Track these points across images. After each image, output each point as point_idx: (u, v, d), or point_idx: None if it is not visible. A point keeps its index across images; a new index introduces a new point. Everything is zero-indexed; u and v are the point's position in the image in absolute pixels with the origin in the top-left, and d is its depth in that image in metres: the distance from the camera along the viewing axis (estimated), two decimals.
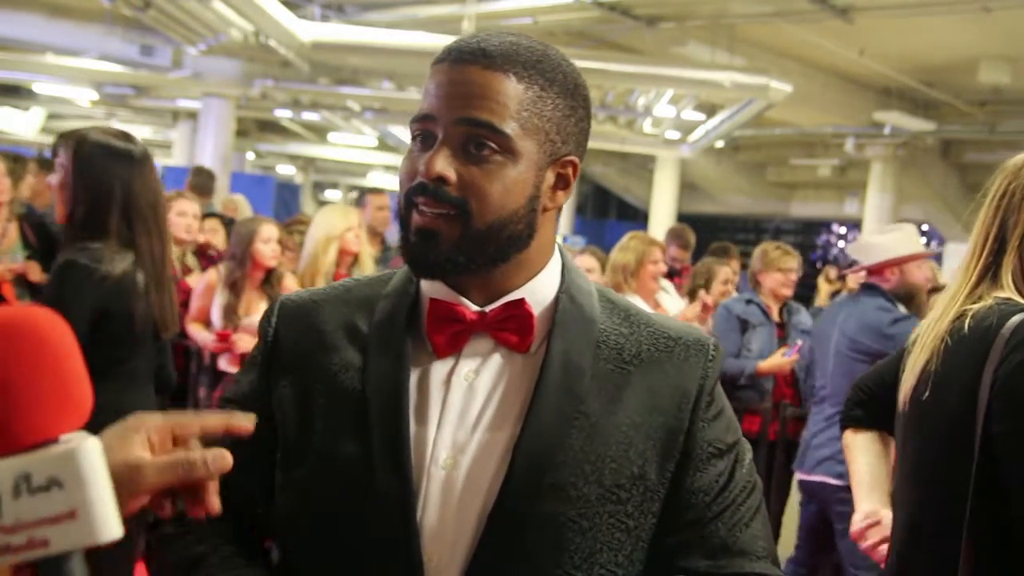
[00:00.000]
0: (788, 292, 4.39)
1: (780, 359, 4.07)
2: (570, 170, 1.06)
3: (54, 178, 2.31)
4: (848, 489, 3.18)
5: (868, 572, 3.25)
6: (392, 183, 20.50)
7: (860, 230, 15.67)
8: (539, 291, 1.06)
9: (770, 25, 10.07)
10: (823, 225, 19.10)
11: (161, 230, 2.36)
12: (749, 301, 4.33)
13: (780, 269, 4.34)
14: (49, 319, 0.73)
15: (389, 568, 0.98)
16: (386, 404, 1.01)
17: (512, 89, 0.99)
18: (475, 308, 1.04)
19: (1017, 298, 1.56)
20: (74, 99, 15.09)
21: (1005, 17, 8.64)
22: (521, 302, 1.04)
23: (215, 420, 0.87)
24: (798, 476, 3.48)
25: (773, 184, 18.92)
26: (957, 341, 1.57)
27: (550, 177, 1.04)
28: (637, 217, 20.82)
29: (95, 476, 0.70)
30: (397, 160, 18.77)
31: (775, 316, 4.32)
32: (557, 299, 1.06)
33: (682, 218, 15.09)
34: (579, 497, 0.99)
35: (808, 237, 19.42)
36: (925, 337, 1.65)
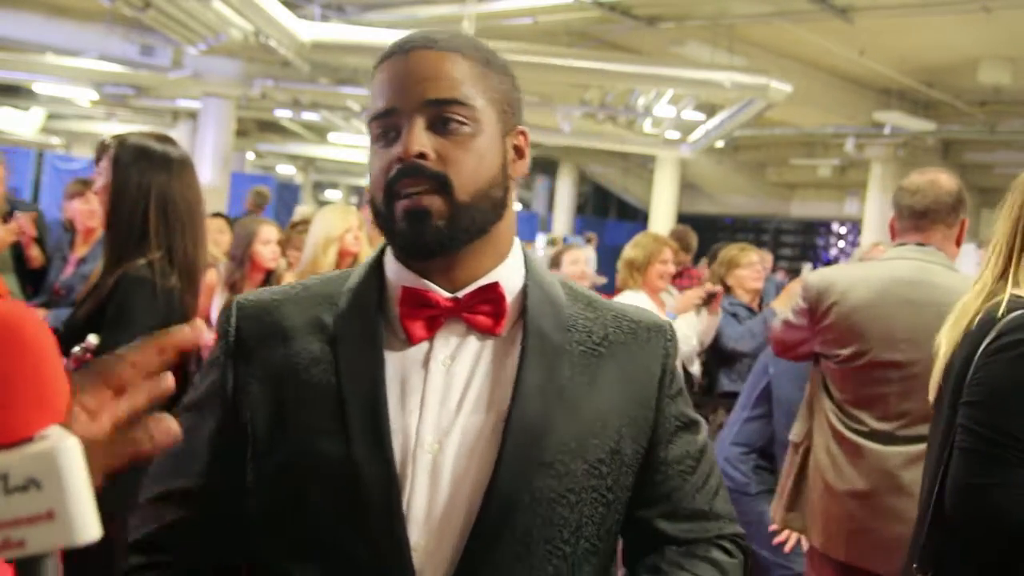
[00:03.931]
0: (757, 284, 4.65)
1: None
2: (522, 139, 1.11)
3: (98, 182, 2.33)
4: None
5: None
6: None
7: (860, 230, 15.67)
8: (508, 277, 1.09)
9: (770, 25, 10.07)
10: (823, 225, 19.10)
11: (196, 233, 2.36)
12: (732, 303, 4.57)
13: (741, 266, 4.62)
14: (22, 312, 0.70)
15: (376, 557, 0.99)
16: (364, 393, 1.02)
17: (462, 66, 1.04)
18: (447, 295, 1.06)
19: None
20: (74, 99, 15.09)
21: (1005, 17, 8.64)
22: (495, 285, 1.07)
23: (146, 350, 0.76)
24: None
25: (773, 184, 18.93)
26: (967, 336, 1.72)
27: (510, 146, 1.09)
28: (637, 217, 20.82)
29: (74, 476, 0.68)
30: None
31: (755, 308, 4.57)
32: (525, 286, 1.10)
33: (682, 218, 15.10)
34: (567, 473, 1.03)
35: (808, 237, 19.41)
36: (944, 338, 1.80)
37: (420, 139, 1.00)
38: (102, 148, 2.33)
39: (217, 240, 4.99)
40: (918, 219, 2.48)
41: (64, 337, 2.26)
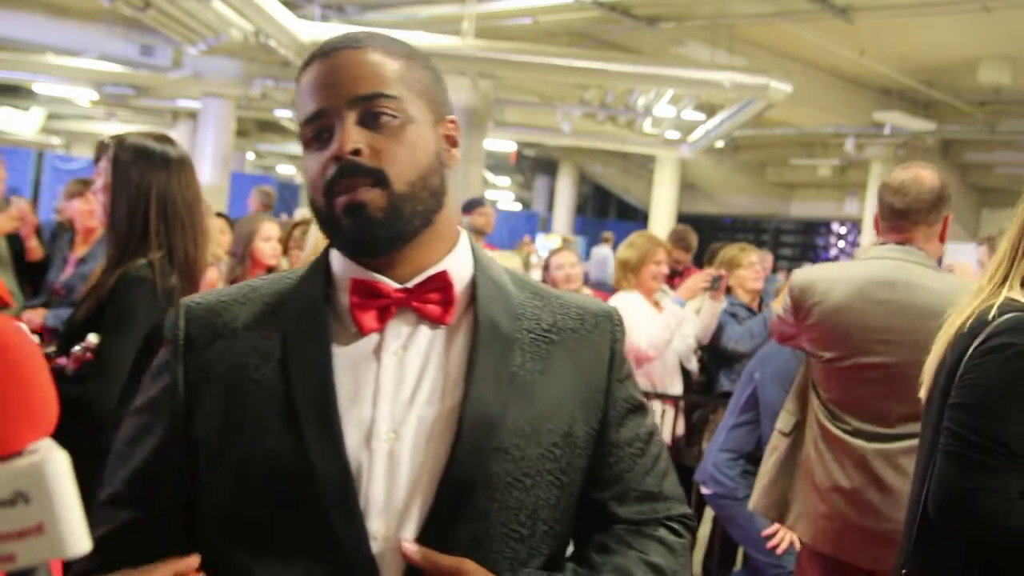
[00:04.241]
0: (757, 285, 4.64)
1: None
2: (452, 128, 1.13)
3: (98, 183, 2.33)
4: None
5: None
6: None
7: (860, 230, 15.67)
8: (456, 267, 1.11)
9: (770, 25, 10.07)
10: (823, 225, 19.10)
11: (196, 231, 2.36)
12: (733, 303, 4.55)
13: (741, 266, 4.60)
14: (5, 327, 0.70)
15: (335, 549, 0.99)
16: (314, 388, 1.02)
17: (386, 61, 1.06)
18: (396, 285, 1.07)
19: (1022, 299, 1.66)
20: (74, 99, 15.08)
21: (1005, 17, 8.64)
22: (443, 274, 1.08)
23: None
24: None
25: (773, 184, 18.93)
26: (958, 338, 1.70)
27: (441, 135, 1.10)
28: (637, 217, 20.82)
29: (62, 489, 0.69)
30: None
31: (756, 308, 4.55)
32: (474, 277, 1.12)
33: (682, 218, 15.10)
34: (522, 457, 1.05)
35: (808, 237, 19.41)
36: (940, 338, 1.78)
37: (353, 136, 1.02)
38: (101, 148, 2.33)
39: (218, 240, 5.02)
40: (899, 218, 2.50)
41: (64, 337, 2.26)
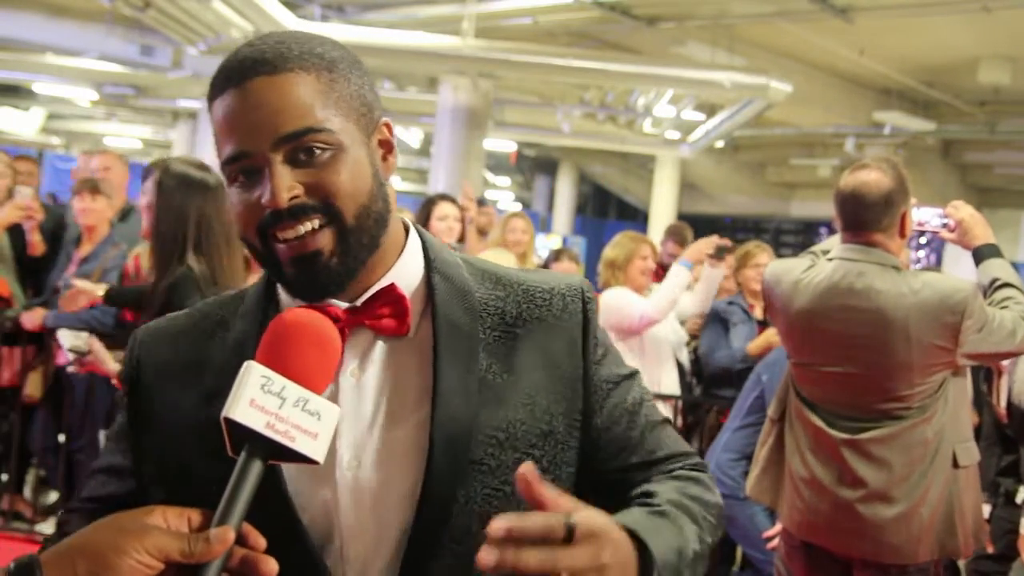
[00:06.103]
0: (758, 287, 4.54)
1: (770, 335, 4.11)
2: (386, 131, 1.05)
3: (143, 200, 2.69)
4: None
5: None
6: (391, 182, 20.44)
7: None
8: (405, 273, 1.05)
9: (770, 25, 10.06)
10: (823, 225, 19.09)
11: (232, 247, 2.68)
12: (732, 302, 4.47)
13: (747, 266, 4.51)
14: None
15: None
16: None
17: (306, 85, 0.95)
18: (345, 305, 1.01)
19: None
20: (74, 99, 15.08)
21: (1005, 17, 8.64)
22: (391, 287, 1.02)
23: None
24: None
25: (773, 184, 18.92)
26: None
27: (375, 146, 1.02)
28: (637, 217, 20.81)
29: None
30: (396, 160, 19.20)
31: (758, 314, 4.42)
32: (429, 278, 1.05)
33: (682, 218, 15.09)
34: (499, 466, 1.00)
35: (808, 237, 19.39)
36: None
37: (285, 183, 0.94)
38: (148, 170, 2.68)
39: None
40: (855, 225, 2.50)
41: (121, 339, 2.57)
